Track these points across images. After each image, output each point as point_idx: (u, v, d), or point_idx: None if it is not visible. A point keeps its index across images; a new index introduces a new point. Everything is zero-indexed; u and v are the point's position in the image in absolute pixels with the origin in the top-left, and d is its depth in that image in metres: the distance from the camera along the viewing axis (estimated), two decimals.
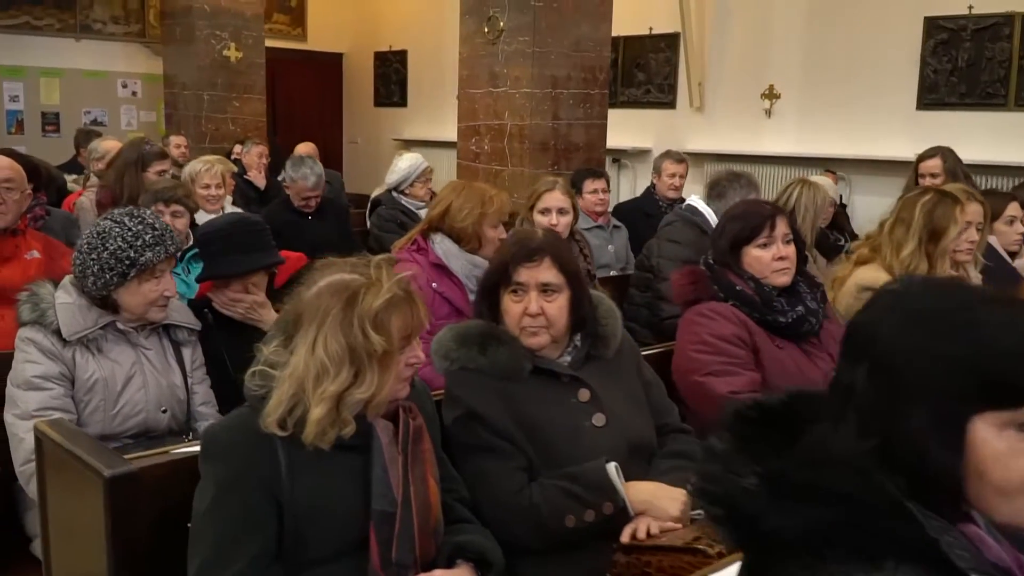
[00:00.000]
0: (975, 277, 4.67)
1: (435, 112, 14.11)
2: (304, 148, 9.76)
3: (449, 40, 12.36)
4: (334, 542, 2.43)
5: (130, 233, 3.36)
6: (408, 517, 2.46)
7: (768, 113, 10.50)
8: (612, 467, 2.83)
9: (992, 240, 5.26)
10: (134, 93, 13.59)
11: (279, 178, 9.24)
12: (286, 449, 2.40)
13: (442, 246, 4.44)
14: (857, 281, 4.40)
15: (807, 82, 10.11)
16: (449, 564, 2.58)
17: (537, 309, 2.96)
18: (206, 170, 6.36)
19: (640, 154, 11.59)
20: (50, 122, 12.88)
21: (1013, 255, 5.55)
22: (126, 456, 2.67)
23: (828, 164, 9.50)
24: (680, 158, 7.84)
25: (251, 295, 3.84)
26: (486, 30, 8.17)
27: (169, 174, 6.27)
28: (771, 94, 10.44)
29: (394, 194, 7.42)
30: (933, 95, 9.14)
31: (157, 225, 3.44)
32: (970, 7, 8.79)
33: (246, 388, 2.49)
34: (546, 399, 2.96)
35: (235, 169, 7.73)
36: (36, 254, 4.53)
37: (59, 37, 12.92)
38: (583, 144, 8.32)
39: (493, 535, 2.74)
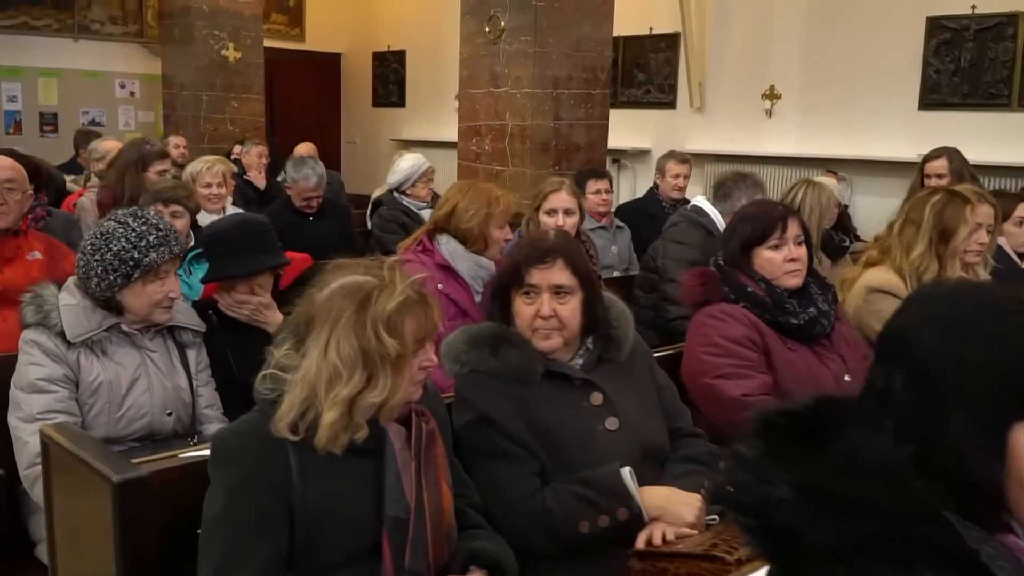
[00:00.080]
0: (984, 279, 4.63)
1: (434, 112, 14.10)
2: (304, 148, 9.73)
3: (448, 40, 12.35)
4: (346, 548, 2.39)
5: (134, 234, 3.32)
6: (421, 523, 2.42)
7: (769, 113, 10.47)
8: (626, 472, 2.79)
9: (1001, 241, 5.23)
10: (132, 93, 13.54)
11: (278, 178, 9.24)
12: (298, 454, 2.36)
13: (448, 247, 4.40)
14: (866, 283, 4.37)
15: (808, 82, 10.08)
16: (463, 571, 2.54)
17: (549, 311, 2.92)
18: (207, 169, 6.33)
19: (640, 154, 11.56)
20: (48, 122, 12.84)
21: (1022, 256, 5.51)
22: (134, 460, 2.63)
23: (829, 165, 9.47)
24: (684, 158, 7.82)
25: (257, 296, 3.81)
26: (487, 30, 8.14)
27: (170, 174, 6.24)
28: (772, 94, 10.41)
29: (395, 194, 7.38)
30: (935, 95, 9.10)
31: (161, 226, 3.41)
32: (973, 7, 8.76)
33: (256, 392, 2.45)
34: (558, 403, 2.92)
35: (235, 169, 7.70)
36: (38, 255, 4.49)
37: (57, 37, 12.88)
38: (584, 144, 8.29)
39: (506, 541, 2.70)
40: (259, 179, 9.02)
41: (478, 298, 4.41)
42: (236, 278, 3.79)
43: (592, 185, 6.77)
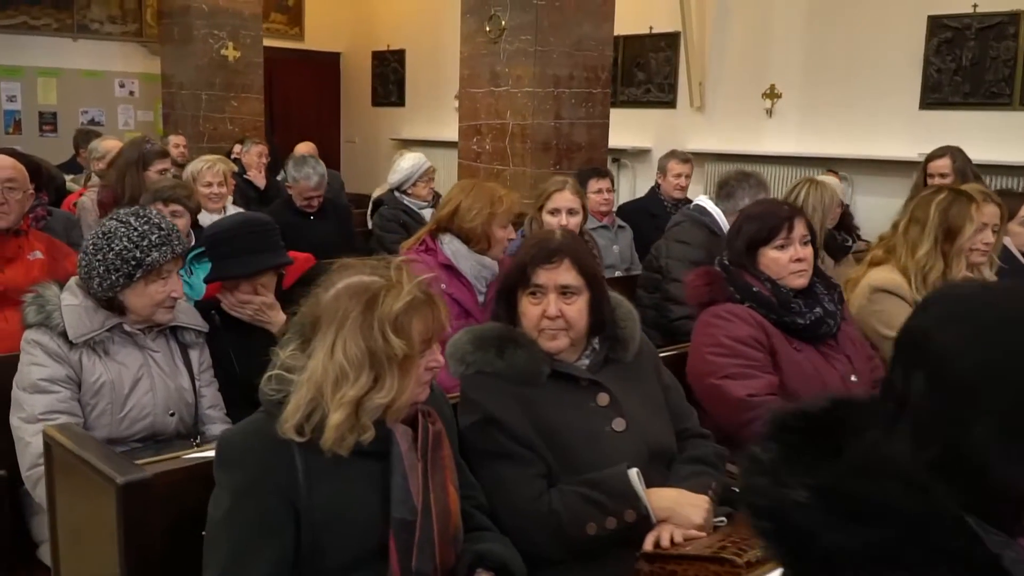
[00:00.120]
0: (990, 279, 4.62)
1: (433, 112, 14.10)
2: (304, 148, 9.72)
3: (447, 39, 12.36)
4: (352, 550, 2.37)
5: (136, 233, 3.30)
6: (428, 525, 2.40)
7: (769, 113, 10.46)
8: (634, 473, 2.76)
9: (1006, 241, 5.21)
10: (131, 93, 13.53)
11: (278, 178, 9.23)
12: (303, 455, 2.34)
13: (451, 246, 4.38)
14: (870, 283, 4.35)
15: (808, 81, 10.07)
16: (469, 573, 2.52)
17: (556, 312, 2.90)
18: (208, 168, 6.33)
19: (640, 154, 11.55)
20: (47, 122, 12.83)
21: None
22: (137, 462, 2.61)
23: (830, 164, 9.46)
24: (685, 158, 7.80)
25: (260, 296, 3.79)
26: (488, 29, 8.13)
27: (170, 173, 6.22)
28: (772, 93, 10.40)
29: (396, 194, 7.35)
30: (936, 94, 9.09)
31: (163, 225, 3.39)
32: (975, 5, 8.74)
33: (262, 393, 2.43)
34: (564, 404, 2.89)
35: (235, 169, 7.68)
36: (39, 255, 4.47)
37: (56, 37, 12.86)
38: (585, 144, 8.29)
39: (512, 543, 2.68)
40: (259, 178, 9.01)
41: (481, 298, 4.39)
42: (239, 278, 3.77)
43: (594, 184, 6.74)
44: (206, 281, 3.93)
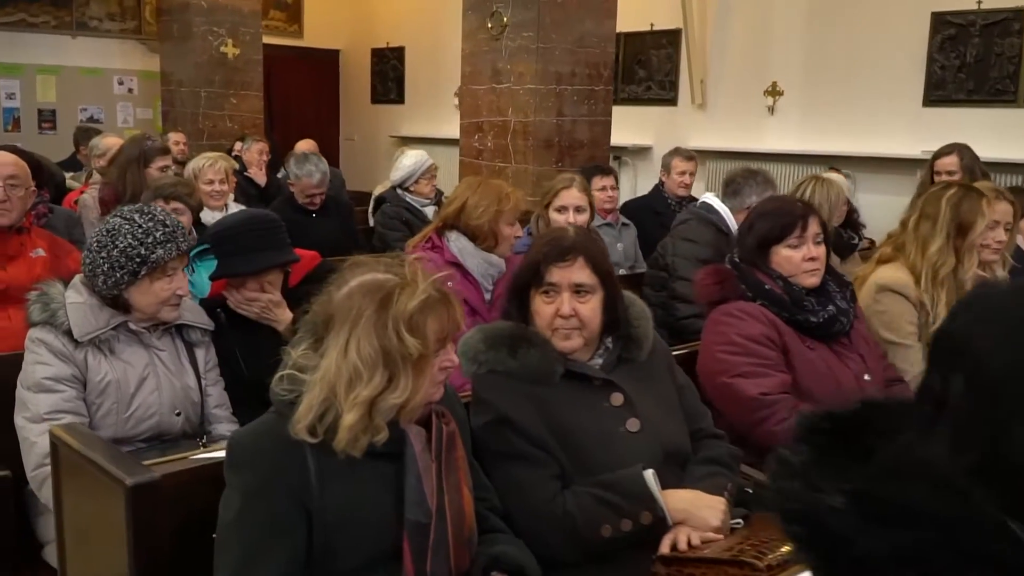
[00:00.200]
0: (1003, 278, 4.58)
1: (433, 109, 14.06)
2: (305, 145, 9.69)
3: (447, 37, 12.34)
4: (365, 552, 2.33)
5: (140, 230, 3.27)
6: (443, 527, 2.36)
7: (771, 110, 10.41)
8: (649, 474, 2.72)
9: (1019, 240, 5.17)
10: (130, 90, 13.48)
11: (278, 175, 9.20)
12: (316, 456, 2.29)
13: (457, 244, 4.35)
14: (876, 280, 4.31)
15: (811, 78, 10.01)
16: None
17: (570, 310, 2.85)
18: (209, 165, 6.30)
19: (641, 151, 11.50)
20: (46, 119, 12.79)
21: None
22: (146, 462, 2.58)
23: (832, 162, 9.39)
24: (689, 155, 7.77)
25: (267, 294, 3.76)
26: (489, 26, 8.11)
27: (171, 171, 6.19)
28: (774, 91, 10.35)
29: (398, 191, 7.32)
30: (940, 92, 9.03)
31: (168, 222, 3.36)
32: (979, 2, 8.69)
33: (273, 393, 2.39)
34: (577, 404, 2.85)
35: (236, 166, 7.65)
36: (41, 252, 4.44)
37: (55, 34, 12.82)
38: (587, 141, 8.27)
39: (526, 545, 2.64)
40: (260, 176, 8.99)
41: (488, 296, 4.37)
42: (246, 275, 3.74)
43: (598, 182, 6.70)
44: (212, 278, 3.89)
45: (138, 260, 3.23)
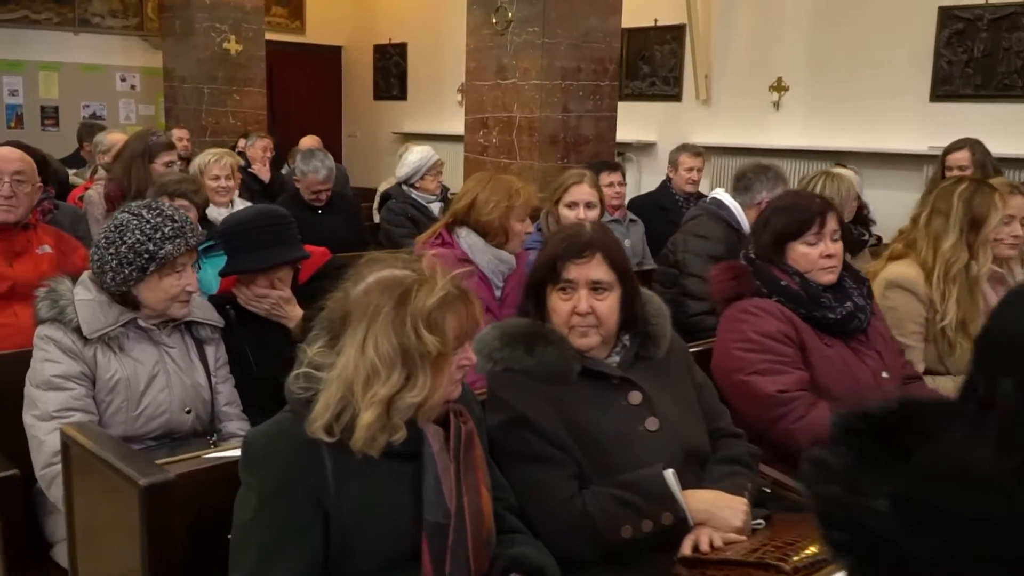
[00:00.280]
0: (1020, 274, 4.55)
1: (435, 106, 14.04)
2: (309, 141, 9.68)
3: (450, 33, 12.32)
4: (383, 553, 2.29)
5: (148, 226, 3.24)
6: (462, 528, 2.32)
7: (776, 106, 10.36)
8: (670, 474, 2.68)
9: None
10: (133, 87, 13.47)
11: (281, 171, 9.18)
12: (332, 456, 2.25)
13: (468, 240, 4.31)
14: (886, 276, 4.28)
15: (816, 74, 9.97)
16: None
17: (587, 308, 2.81)
18: (215, 161, 6.27)
19: (645, 147, 11.46)
20: (49, 116, 12.77)
21: None
22: (158, 462, 2.54)
23: (838, 158, 9.34)
24: (697, 151, 7.74)
25: (277, 291, 3.72)
26: (494, 21, 8.07)
27: (176, 166, 6.15)
28: (779, 86, 10.30)
29: (404, 187, 7.28)
30: (947, 87, 8.98)
31: (177, 217, 3.33)
32: None
33: (288, 391, 2.34)
34: (595, 402, 2.80)
35: (242, 162, 7.62)
36: (48, 249, 4.41)
37: (57, 31, 12.80)
38: (593, 137, 8.24)
39: (544, 546, 2.60)
40: (263, 172, 8.98)
41: (498, 293, 4.33)
42: (256, 272, 3.70)
43: (605, 178, 6.64)
44: (222, 275, 3.85)
45: (147, 256, 3.20)
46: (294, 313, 3.72)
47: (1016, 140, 8.27)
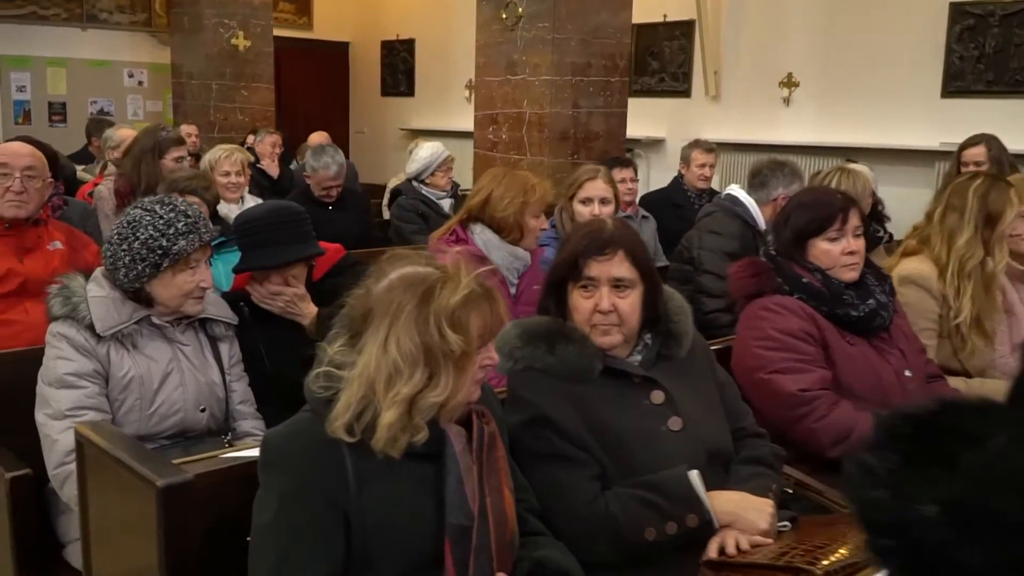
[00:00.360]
0: None
1: (443, 102, 14.01)
2: (318, 137, 9.63)
3: (457, 29, 12.29)
4: (405, 556, 2.24)
5: (161, 221, 3.20)
6: (485, 531, 2.27)
7: (786, 102, 10.31)
8: (695, 475, 2.63)
9: None
10: (140, 83, 13.45)
11: (290, 166, 9.15)
12: (353, 456, 2.21)
13: (482, 236, 4.27)
14: (900, 273, 4.24)
15: (826, 69, 9.91)
16: None
17: (609, 306, 2.76)
18: (225, 157, 6.23)
19: (654, 144, 11.41)
20: (57, 112, 12.75)
21: None
22: (174, 462, 2.51)
23: (848, 154, 9.27)
24: (709, 147, 7.69)
25: (292, 288, 3.68)
26: (504, 16, 8.05)
27: (186, 162, 6.12)
28: (789, 82, 10.25)
29: (414, 184, 7.25)
30: (958, 82, 8.94)
31: (190, 212, 3.28)
32: None
33: (308, 391, 2.30)
34: (617, 402, 2.75)
35: (252, 158, 7.60)
36: (59, 245, 4.37)
37: (65, 26, 12.78)
38: (603, 133, 8.21)
39: (566, 548, 2.55)
40: (272, 168, 8.96)
41: (513, 290, 4.29)
42: (270, 268, 3.65)
43: (617, 174, 6.55)
44: (235, 271, 3.81)
45: (160, 252, 3.16)
46: (308, 310, 3.68)
47: None
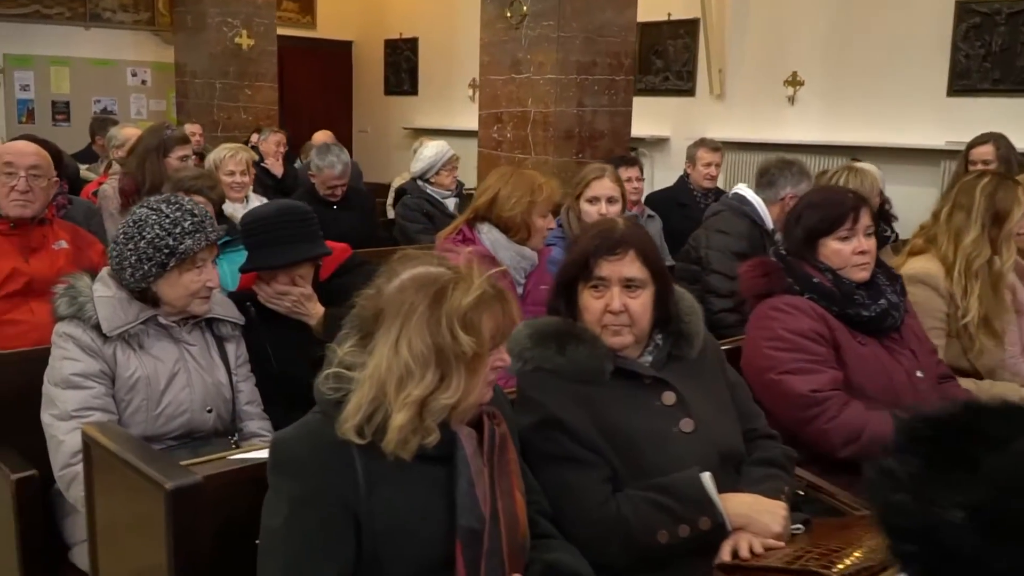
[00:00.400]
0: None
1: (446, 101, 13.99)
2: (322, 136, 9.63)
3: (461, 27, 12.27)
4: (415, 560, 2.22)
5: (168, 220, 3.18)
6: (496, 534, 2.24)
7: (791, 100, 10.28)
8: (707, 477, 2.61)
9: None
10: (144, 82, 13.45)
11: (295, 164, 9.14)
12: (363, 458, 2.19)
13: (489, 236, 4.25)
14: (906, 272, 4.21)
15: (832, 68, 9.88)
16: None
17: (620, 306, 2.73)
18: (230, 156, 6.21)
19: (658, 143, 11.38)
20: (60, 111, 12.76)
21: None
22: (182, 463, 2.49)
23: (854, 153, 9.24)
24: (715, 146, 7.68)
25: (299, 288, 3.66)
26: (508, 15, 8.02)
27: (191, 161, 6.11)
28: (794, 81, 10.22)
29: (419, 183, 7.24)
30: (964, 81, 8.91)
31: (196, 211, 3.26)
32: None
33: (318, 392, 2.28)
34: (628, 403, 2.72)
35: (257, 157, 7.58)
36: (64, 244, 4.36)
37: (69, 25, 12.79)
38: (608, 131, 8.18)
39: (577, 551, 2.53)
40: (276, 167, 8.95)
41: (520, 290, 4.27)
42: (277, 268, 3.63)
43: (622, 173, 6.54)
44: (242, 271, 3.79)
45: (166, 251, 3.14)
46: (315, 310, 3.67)
47: None
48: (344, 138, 14.78)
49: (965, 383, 3.96)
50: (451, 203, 7.13)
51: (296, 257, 3.61)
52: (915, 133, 9.09)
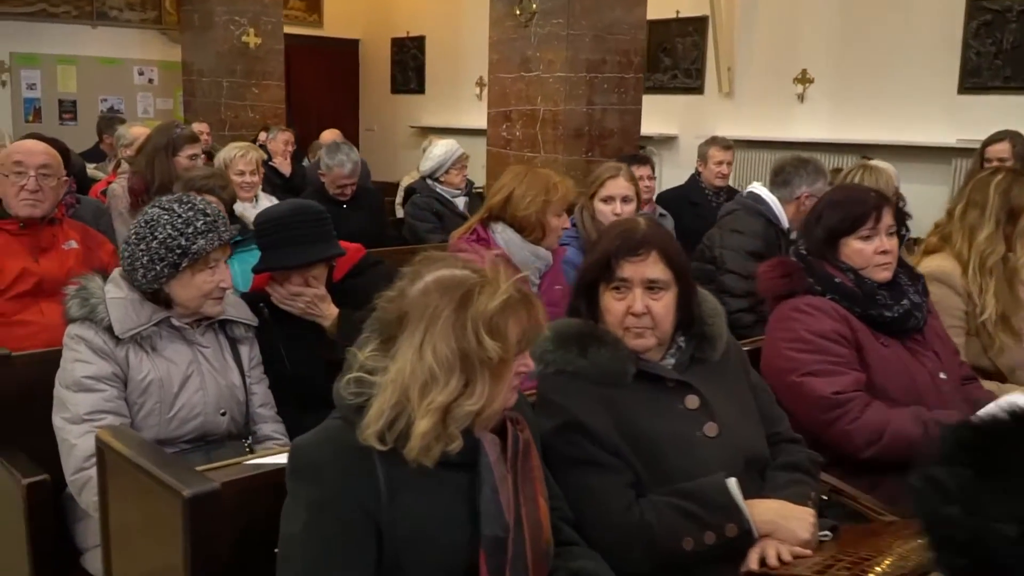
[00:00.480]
0: None
1: (453, 99, 13.98)
2: (330, 135, 9.60)
3: (468, 25, 12.24)
4: (439, 567, 2.17)
5: (180, 220, 3.13)
6: (520, 541, 2.19)
7: (800, 98, 10.24)
8: (733, 483, 2.56)
9: None
10: (150, 80, 13.46)
11: (302, 163, 9.11)
12: (385, 465, 2.14)
13: (504, 236, 4.22)
14: (922, 271, 4.16)
15: (841, 66, 9.84)
16: None
17: (642, 308, 2.68)
18: (240, 156, 6.16)
19: (666, 141, 11.34)
20: (67, 110, 12.77)
21: None
22: (198, 468, 2.44)
23: (864, 151, 9.21)
24: (727, 144, 7.65)
25: (312, 288, 3.61)
26: (518, 12, 7.98)
27: (200, 160, 6.07)
28: (804, 78, 10.18)
29: (428, 182, 7.19)
30: (975, 79, 8.86)
31: (209, 211, 3.22)
32: None
33: (338, 397, 2.22)
34: (651, 407, 2.67)
35: (266, 157, 7.55)
36: (74, 244, 4.32)
37: (75, 24, 12.80)
38: (617, 130, 8.14)
39: (600, 558, 2.48)
40: (284, 165, 8.93)
41: (533, 289, 4.22)
42: (291, 269, 3.59)
43: (635, 171, 6.50)
44: (255, 271, 3.75)
45: (179, 251, 3.10)
46: (329, 311, 3.62)
47: None
48: (351, 137, 14.69)
49: (988, 386, 3.92)
50: (461, 202, 7.09)
51: (310, 258, 3.57)
52: (926, 131, 9.06)
